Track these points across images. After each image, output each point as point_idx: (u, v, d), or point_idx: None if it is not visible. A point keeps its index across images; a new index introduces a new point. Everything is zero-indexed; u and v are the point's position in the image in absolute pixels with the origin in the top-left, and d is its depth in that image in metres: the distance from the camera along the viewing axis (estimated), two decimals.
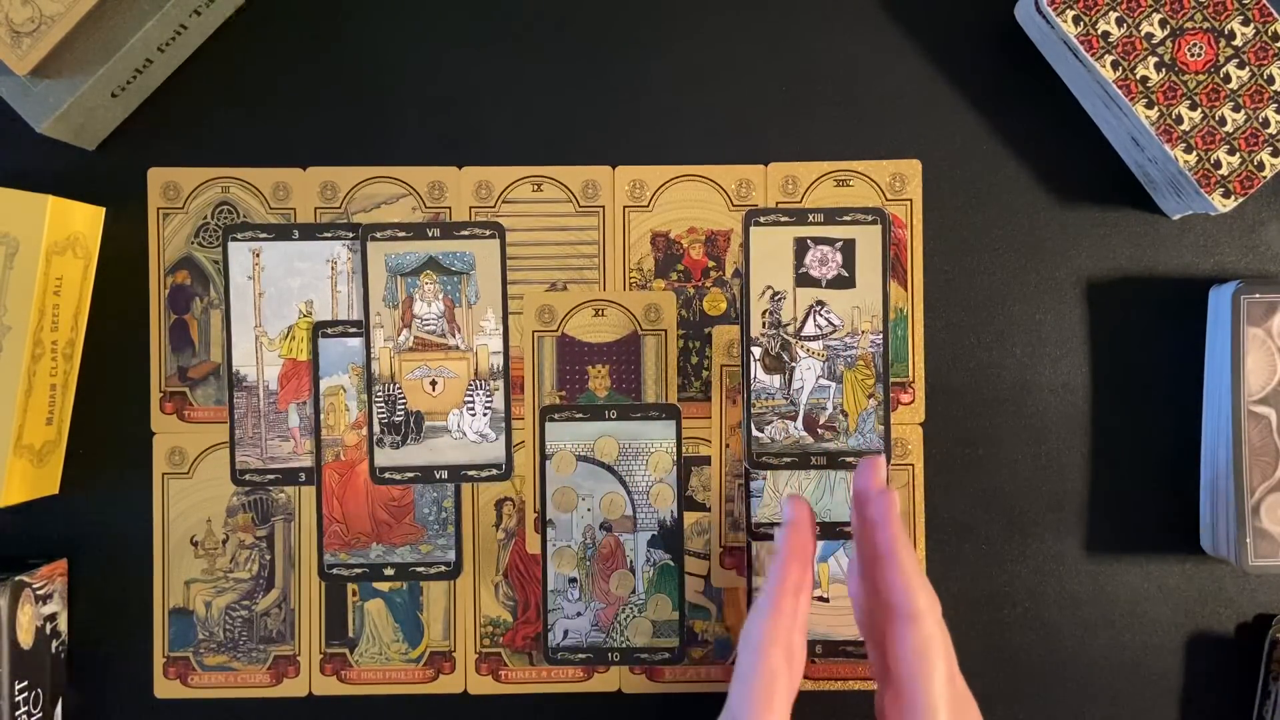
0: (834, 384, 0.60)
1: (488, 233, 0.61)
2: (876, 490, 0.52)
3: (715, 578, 0.61)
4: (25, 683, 0.57)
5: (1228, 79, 0.55)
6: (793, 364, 0.60)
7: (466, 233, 0.61)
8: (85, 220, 0.59)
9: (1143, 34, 0.55)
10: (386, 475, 0.61)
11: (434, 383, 0.61)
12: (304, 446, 0.61)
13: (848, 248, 0.61)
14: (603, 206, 0.61)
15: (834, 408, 0.60)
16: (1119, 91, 0.55)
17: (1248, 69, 0.55)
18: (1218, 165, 0.55)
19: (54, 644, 0.60)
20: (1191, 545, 0.61)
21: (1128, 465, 0.61)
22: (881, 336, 0.60)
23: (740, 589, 0.61)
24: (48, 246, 0.56)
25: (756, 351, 0.60)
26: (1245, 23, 0.55)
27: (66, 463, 0.61)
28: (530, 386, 0.61)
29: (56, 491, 0.61)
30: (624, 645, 0.61)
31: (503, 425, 0.61)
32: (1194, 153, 0.55)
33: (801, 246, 0.61)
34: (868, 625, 0.54)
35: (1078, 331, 0.61)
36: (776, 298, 0.60)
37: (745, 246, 0.61)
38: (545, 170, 0.61)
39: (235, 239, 0.61)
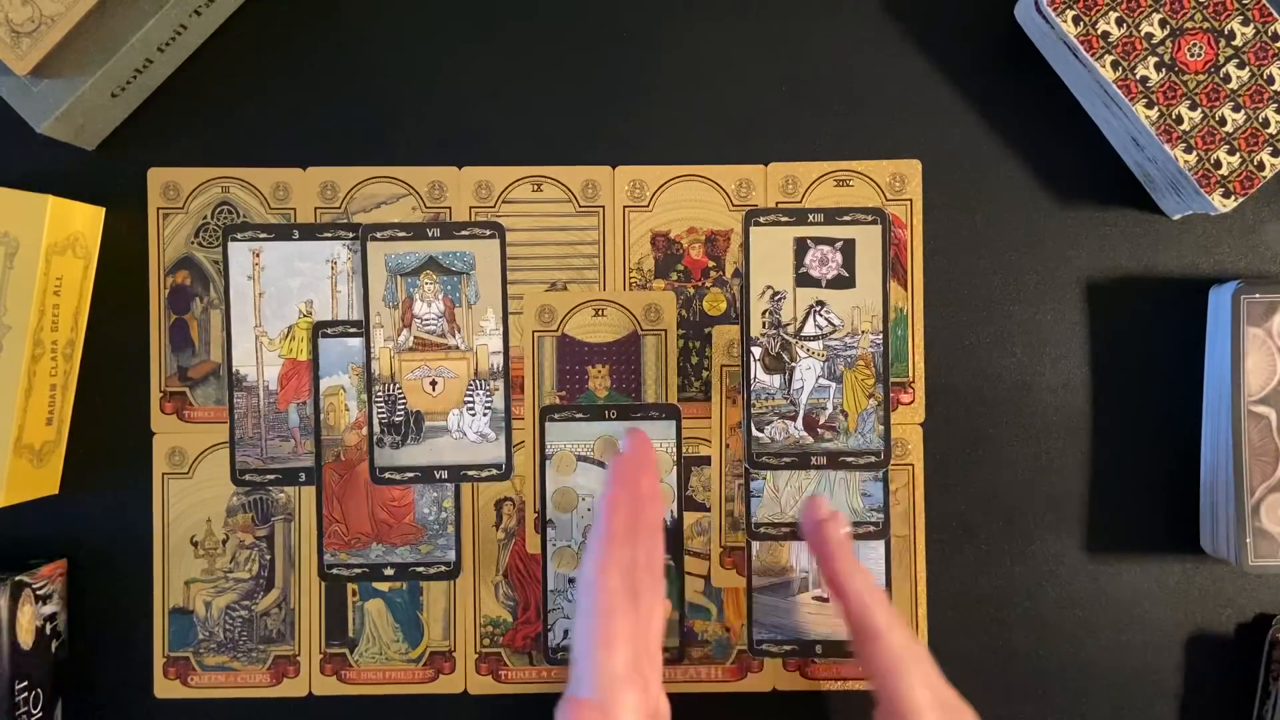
0: (834, 384, 0.60)
1: (488, 233, 0.61)
2: (815, 523, 0.54)
3: (715, 578, 0.61)
4: (25, 683, 0.57)
5: (1228, 79, 0.55)
6: (793, 364, 0.60)
7: (466, 233, 0.61)
8: (85, 220, 0.59)
9: (1143, 34, 0.55)
10: (386, 475, 0.61)
11: (434, 383, 0.61)
12: (304, 446, 0.61)
13: (848, 248, 0.61)
14: (603, 206, 0.61)
15: (834, 408, 0.60)
16: (1119, 91, 0.55)
17: (1248, 69, 0.55)
18: (1218, 165, 0.55)
19: (54, 644, 0.60)
20: (1191, 545, 0.61)
21: (1128, 465, 0.61)
22: (881, 336, 0.60)
23: (740, 589, 0.61)
24: (48, 246, 0.56)
25: (756, 351, 0.60)
26: (1245, 23, 0.55)
27: (66, 463, 0.61)
28: (530, 386, 0.61)
29: (56, 491, 0.61)
30: None
31: (503, 425, 0.61)
32: (1194, 153, 0.55)
33: (801, 246, 0.61)
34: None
35: (1078, 331, 0.61)
36: (776, 298, 0.60)
37: (745, 246, 0.61)
38: (545, 170, 0.61)
39: (235, 239, 0.61)
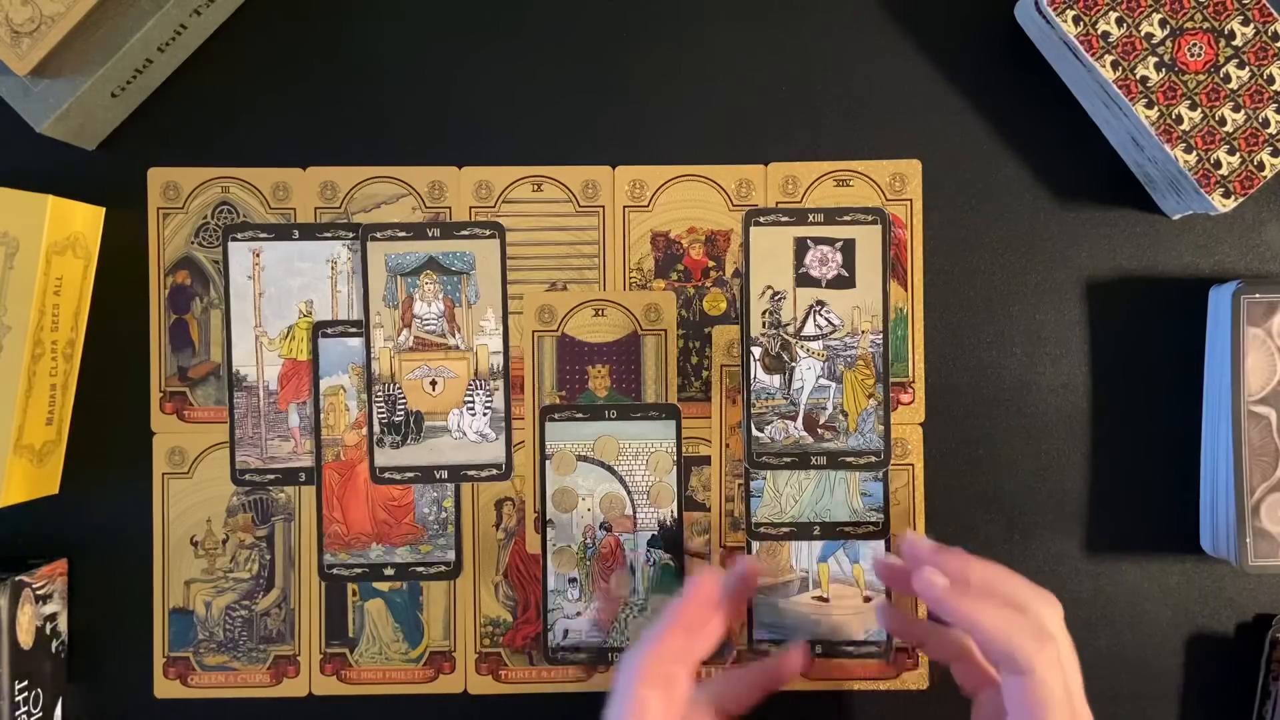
0: (834, 384, 0.60)
1: (488, 233, 0.61)
2: (918, 568, 0.49)
3: None
4: (25, 683, 0.57)
5: (1228, 79, 0.55)
6: (793, 364, 0.60)
7: (466, 233, 0.61)
8: (85, 220, 0.59)
9: (1143, 34, 0.55)
10: (386, 475, 0.61)
11: (434, 383, 0.61)
12: (304, 446, 0.61)
13: (848, 248, 0.61)
14: (603, 206, 0.61)
15: (834, 408, 0.60)
16: (1119, 91, 0.55)
17: (1248, 69, 0.55)
18: (1218, 165, 0.55)
19: (54, 644, 0.60)
20: (1191, 545, 0.61)
21: (1128, 465, 0.61)
22: (881, 336, 0.60)
23: None
24: (48, 246, 0.56)
25: (756, 351, 0.60)
26: (1245, 23, 0.55)
27: (66, 463, 0.61)
28: (530, 386, 0.61)
29: (56, 491, 0.61)
30: (624, 645, 0.61)
31: (503, 425, 0.61)
32: (1194, 153, 0.55)
33: (801, 246, 0.61)
34: (939, 648, 0.54)
35: (1078, 331, 0.61)
36: (776, 298, 0.60)
37: (745, 246, 0.61)
38: (545, 170, 0.61)
39: (235, 239, 0.61)
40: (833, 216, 0.61)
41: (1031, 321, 0.61)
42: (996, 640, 0.46)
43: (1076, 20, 0.55)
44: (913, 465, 0.61)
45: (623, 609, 0.61)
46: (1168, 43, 0.55)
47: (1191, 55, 0.55)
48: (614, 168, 0.61)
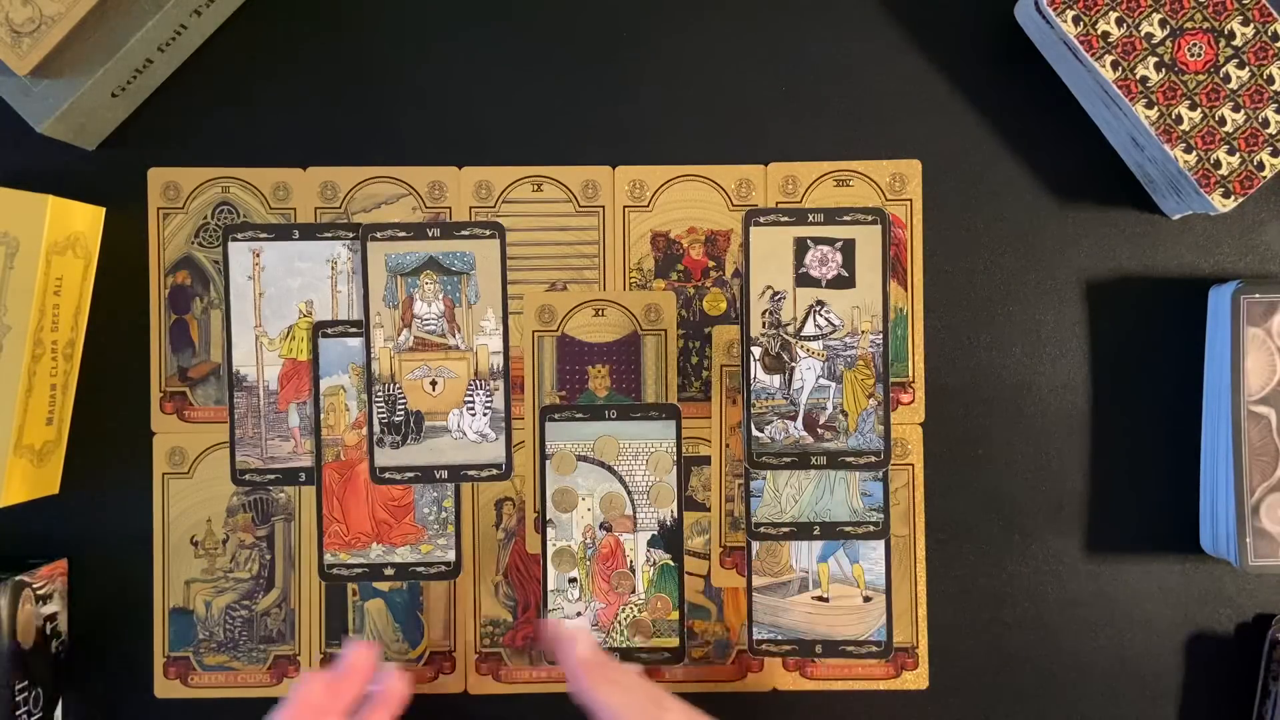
0: (834, 384, 0.60)
1: (488, 233, 0.61)
2: (557, 644, 0.54)
3: (715, 578, 0.61)
4: (25, 683, 0.57)
5: (1228, 79, 0.55)
6: (793, 364, 0.60)
7: (466, 233, 0.61)
8: (85, 220, 0.59)
9: (1143, 34, 0.55)
10: (386, 475, 0.61)
11: (434, 383, 0.61)
12: (304, 446, 0.61)
13: (848, 248, 0.61)
14: (603, 206, 0.61)
15: (834, 408, 0.60)
16: (1119, 91, 0.55)
17: (1248, 69, 0.55)
18: (1218, 165, 0.55)
19: (54, 644, 0.60)
20: (1191, 545, 0.61)
21: (1128, 465, 0.61)
22: (881, 336, 0.60)
23: (740, 589, 0.61)
24: (48, 246, 0.56)
25: (756, 351, 0.60)
26: (1245, 23, 0.55)
27: (66, 463, 0.61)
28: (530, 386, 0.61)
29: (56, 491, 0.61)
30: (624, 645, 0.61)
31: (503, 425, 0.61)
32: (1194, 153, 0.55)
33: (801, 246, 0.61)
34: None
35: (1078, 331, 0.61)
36: (776, 298, 0.60)
37: (745, 246, 0.61)
38: (545, 170, 0.61)
39: (235, 239, 0.61)
40: (833, 216, 0.61)
41: (1031, 321, 0.61)
42: (614, 714, 0.51)
43: (1076, 20, 0.55)
44: (913, 465, 0.61)
45: (622, 609, 0.61)
46: (1168, 43, 0.55)
47: (1191, 55, 0.55)
48: (614, 168, 0.61)
